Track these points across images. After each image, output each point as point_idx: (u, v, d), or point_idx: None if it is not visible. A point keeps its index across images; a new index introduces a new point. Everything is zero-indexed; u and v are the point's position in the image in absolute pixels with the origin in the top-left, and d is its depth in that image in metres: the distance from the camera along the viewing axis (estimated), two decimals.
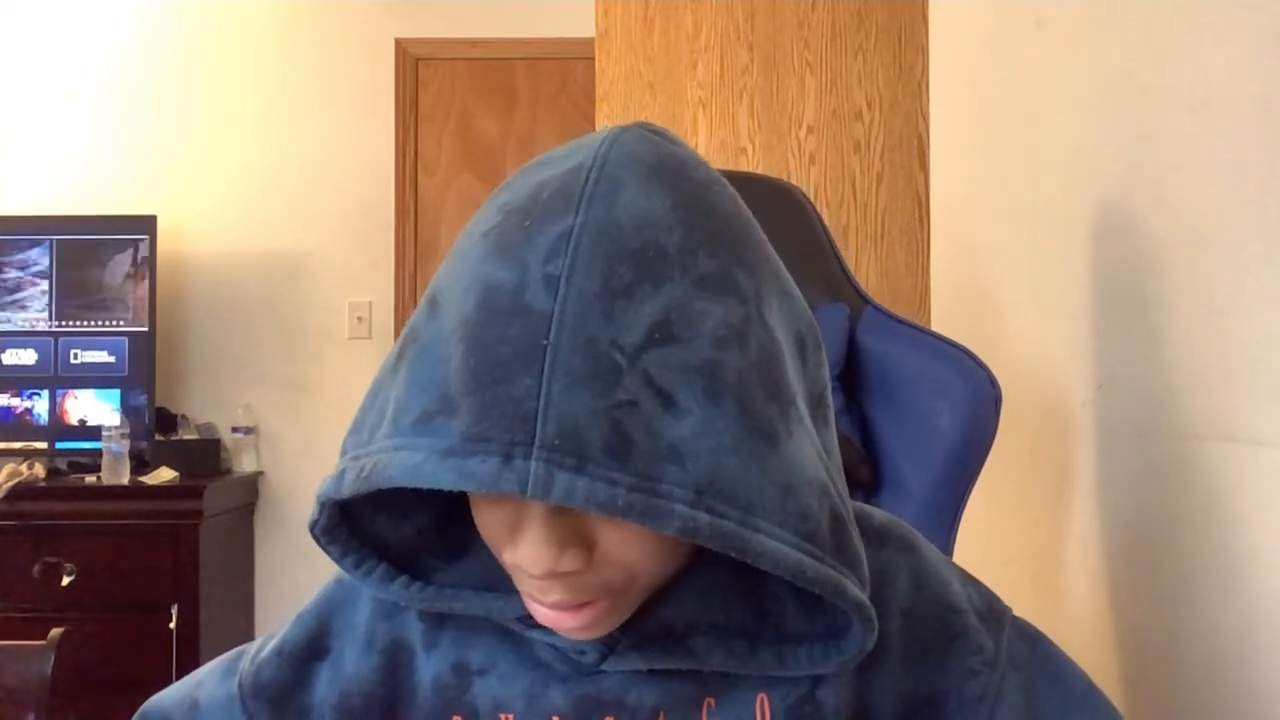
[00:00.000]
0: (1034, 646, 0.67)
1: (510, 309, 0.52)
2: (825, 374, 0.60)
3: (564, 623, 0.57)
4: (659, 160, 0.57)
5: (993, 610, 0.67)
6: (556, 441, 0.49)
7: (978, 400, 0.90)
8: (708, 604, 0.61)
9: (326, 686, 0.68)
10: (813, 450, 0.55)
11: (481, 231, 0.56)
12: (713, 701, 0.62)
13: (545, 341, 0.50)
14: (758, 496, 0.51)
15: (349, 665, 0.68)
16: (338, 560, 0.62)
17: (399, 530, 0.64)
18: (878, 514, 0.69)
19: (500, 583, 0.62)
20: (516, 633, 0.64)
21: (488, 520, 0.57)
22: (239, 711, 0.69)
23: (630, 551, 0.55)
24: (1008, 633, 0.67)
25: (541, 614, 0.57)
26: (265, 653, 0.70)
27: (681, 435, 0.50)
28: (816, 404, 0.58)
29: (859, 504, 0.65)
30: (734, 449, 0.51)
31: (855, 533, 0.57)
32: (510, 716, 0.63)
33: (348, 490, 0.54)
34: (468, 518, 0.60)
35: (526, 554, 0.54)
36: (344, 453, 0.57)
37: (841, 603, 0.54)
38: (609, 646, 0.62)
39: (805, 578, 0.52)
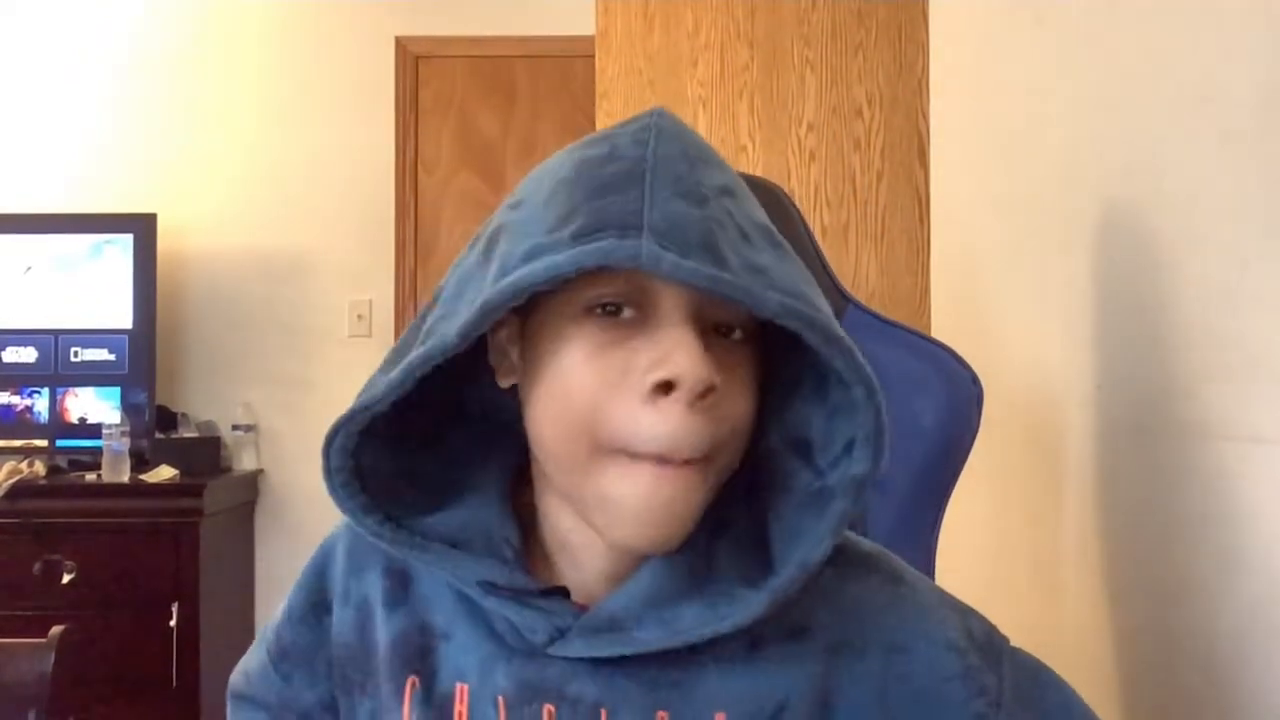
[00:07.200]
0: (1035, 679, 0.67)
1: (606, 160, 0.60)
2: None
3: (670, 462, 0.58)
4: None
5: (992, 643, 0.66)
6: (663, 228, 0.56)
7: (959, 398, 0.90)
8: (655, 601, 0.62)
9: (336, 637, 0.72)
10: None
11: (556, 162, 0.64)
12: (665, 715, 0.61)
13: (644, 169, 0.59)
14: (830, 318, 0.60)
15: (336, 617, 0.72)
16: (331, 474, 0.63)
17: (384, 462, 0.65)
18: (864, 543, 0.69)
19: (470, 543, 0.64)
20: (474, 601, 0.65)
21: (641, 359, 0.59)
22: (274, 675, 0.76)
23: (738, 402, 0.61)
24: (1007, 666, 0.66)
25: (641, 483, 0.58)
26: (278, 619, 0.77)
27: (764, 262, 0.59)
28: None
29: (846, 533, 0.65)
30: (806, 283, 0.61)
31: None
32: (466, 688, 0.64)
33: (468, 323, 0.58)
34: (454, 457, 0.66)
35: (685, 364, 0.57)
36: (421, 328, 0.62)
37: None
38: (559, 630, 0.62)
39: (867, 372, 0.59)
